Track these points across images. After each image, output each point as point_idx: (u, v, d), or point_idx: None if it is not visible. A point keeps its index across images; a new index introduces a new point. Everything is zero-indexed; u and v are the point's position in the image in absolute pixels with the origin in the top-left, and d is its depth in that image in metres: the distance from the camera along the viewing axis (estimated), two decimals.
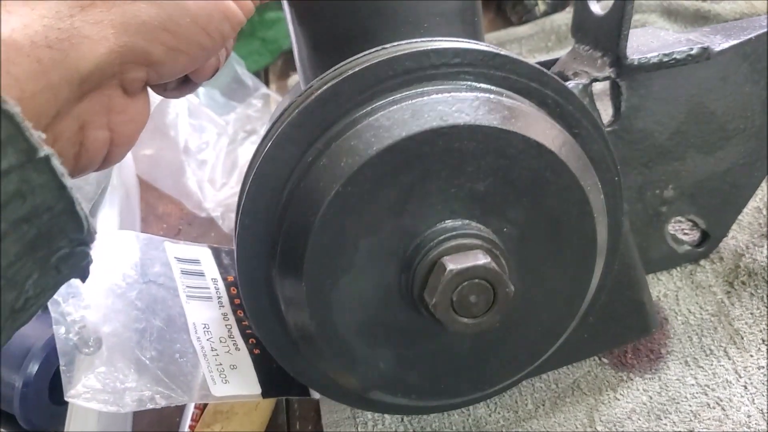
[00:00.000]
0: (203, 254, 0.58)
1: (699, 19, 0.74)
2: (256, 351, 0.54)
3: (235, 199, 0.72)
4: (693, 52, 0.49)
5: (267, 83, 0.89)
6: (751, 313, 0.54)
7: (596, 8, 0.50)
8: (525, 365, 0.45)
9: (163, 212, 0.75)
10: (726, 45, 0.50)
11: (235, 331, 0.54)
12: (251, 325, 0.44)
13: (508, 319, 0.42)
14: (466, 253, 0.37)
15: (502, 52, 0.41)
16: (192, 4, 0.35)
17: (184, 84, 0.43)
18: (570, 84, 0.47)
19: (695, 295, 0.57)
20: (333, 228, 0.37)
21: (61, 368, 0.46)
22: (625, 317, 0.52)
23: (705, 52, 0.49)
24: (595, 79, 0.48)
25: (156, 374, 0.49)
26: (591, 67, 0.49)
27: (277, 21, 0.87)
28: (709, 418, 0.49)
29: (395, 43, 0.41)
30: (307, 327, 0.40)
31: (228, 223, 0.71)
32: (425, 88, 0.39)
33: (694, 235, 0.59)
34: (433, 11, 0.45)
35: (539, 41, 0.85)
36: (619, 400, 0.52)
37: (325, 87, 0.39)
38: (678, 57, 0.49)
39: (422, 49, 0.39)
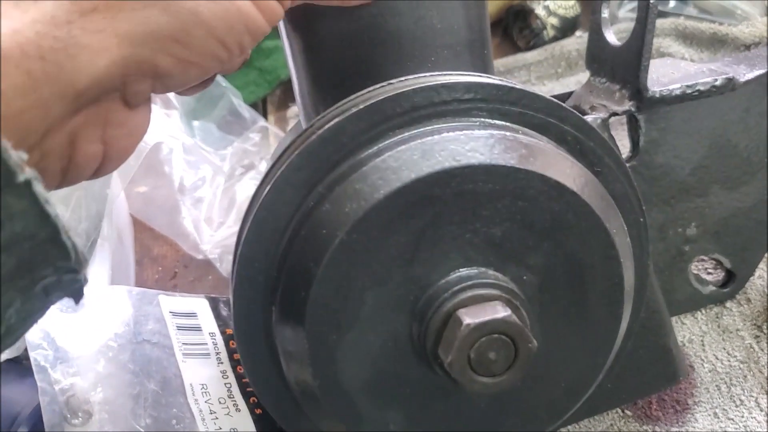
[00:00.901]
0: (200, 306, 0.55)
1: (716, 42, 0.71)
2: (258, 411, 0.50)
3: (234, 239, 0.69)
4: (717, 83, 0.47)
5: (265, 115, 0.86)
6: None
7: (612, 38, 0.47)
8: (546, 424, 0.42)
9: (158, 254, 0.72)
10: (751, 75, 0.48)
11: (235, 390, 0.51)
12: (249, 381, 0.41)
13: (529, 374, 0.38)
14: (484, 305, 0.34)
15: (517, 86, 0.38)
16: (209, 13, 0.31)
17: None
18: (588, 119, 0.44)
19: (722, 340, 0.54)
20: (337, 279, 0.34)
21: None
22: (650, 365, 0.49)
23: (730, 83, 0.47)
24: (615, 113, 0.46)
25: None
26: (609, 101, 0.46)
27: (274, 50, 0.84)
28: None
29: (401, 78, 0.39)
30: (309, 384, 0.37)
31: (226, 265, 0.68)
32: (436, 126, 0.36)
33: (719, 275, 0.56)
34: (440, 43, 0.43)
35: (548, 67, 0.82)
36: None
37: (327, 126, 0.36)
38: (702, 89, 0.46)
39: (431, 84, 0.37)
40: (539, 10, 0.88)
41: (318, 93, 0.45)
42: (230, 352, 0.53)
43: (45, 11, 0.28)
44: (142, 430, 0.45)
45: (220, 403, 0.50)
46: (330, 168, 0.36)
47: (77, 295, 0.31)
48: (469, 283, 0.35)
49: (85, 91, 0.30)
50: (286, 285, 0.36)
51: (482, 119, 0.37)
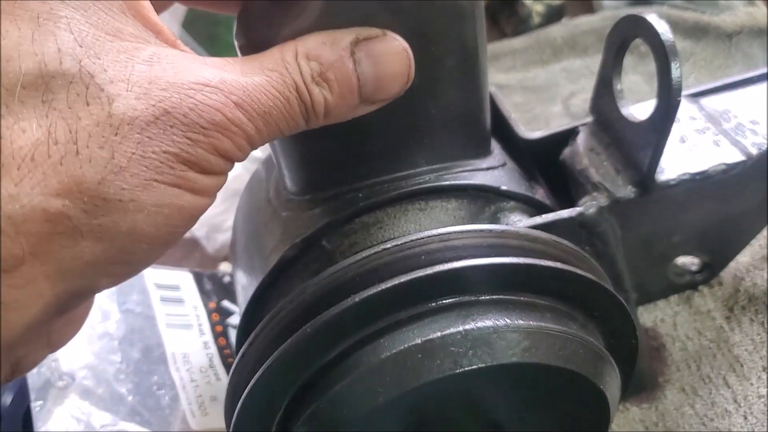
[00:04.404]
0: (184, 279, 0.56)
1: (698, 31, 0.71)
2: None
3: (221, 218, 0.70)
4: (727, 167, 0.45)
5: None
6: (752, 339, 0.52)
7: (628, 112, 0.44)
8: None
9: None
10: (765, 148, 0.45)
11: (216, 360, 0.52)
12: None
13: None
14: None
15: (522, 261, 0.35)
16: (149, 227, 0.28)
17: None
18: (588, 207, 0.43)
19: (693, 320, 0.55)
20: None
21: (32, 404, 0.44)
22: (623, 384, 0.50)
23: (740, 165, 0.45)
24: (616, 201, 0.43)
25: (133, 408, 0.47)
26: (610, 181, 0.44)
27: None
28: None
29: (398, 242, 0.35)
30: None
31: (213, 243, 0.69)
32: (436, 316, 0.34)
33: (693, 259, 0.57)
34: (435, 126, 0.40)
35: (534, 54, 0.83)
36: (614, 430, 0.50)
37: (314, 324, 0.33)
38: (711, 174, 0.45)
39: (433, 272, 0.33)
40: None
41: (298, 169, 0.43)
42: (212, 325, 0.54)
43: None
44: (123, 394, 0.46)
45: (201, 372, 0.51)
46: (319, 355, 0.35)
47: None
48: None
49: (17, 341, 0.27)
50: None
51: (484, 295, 0.35)
